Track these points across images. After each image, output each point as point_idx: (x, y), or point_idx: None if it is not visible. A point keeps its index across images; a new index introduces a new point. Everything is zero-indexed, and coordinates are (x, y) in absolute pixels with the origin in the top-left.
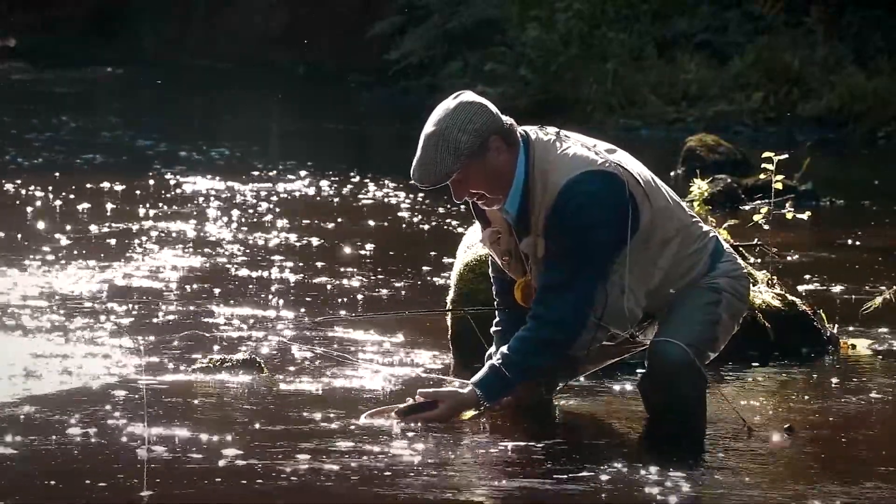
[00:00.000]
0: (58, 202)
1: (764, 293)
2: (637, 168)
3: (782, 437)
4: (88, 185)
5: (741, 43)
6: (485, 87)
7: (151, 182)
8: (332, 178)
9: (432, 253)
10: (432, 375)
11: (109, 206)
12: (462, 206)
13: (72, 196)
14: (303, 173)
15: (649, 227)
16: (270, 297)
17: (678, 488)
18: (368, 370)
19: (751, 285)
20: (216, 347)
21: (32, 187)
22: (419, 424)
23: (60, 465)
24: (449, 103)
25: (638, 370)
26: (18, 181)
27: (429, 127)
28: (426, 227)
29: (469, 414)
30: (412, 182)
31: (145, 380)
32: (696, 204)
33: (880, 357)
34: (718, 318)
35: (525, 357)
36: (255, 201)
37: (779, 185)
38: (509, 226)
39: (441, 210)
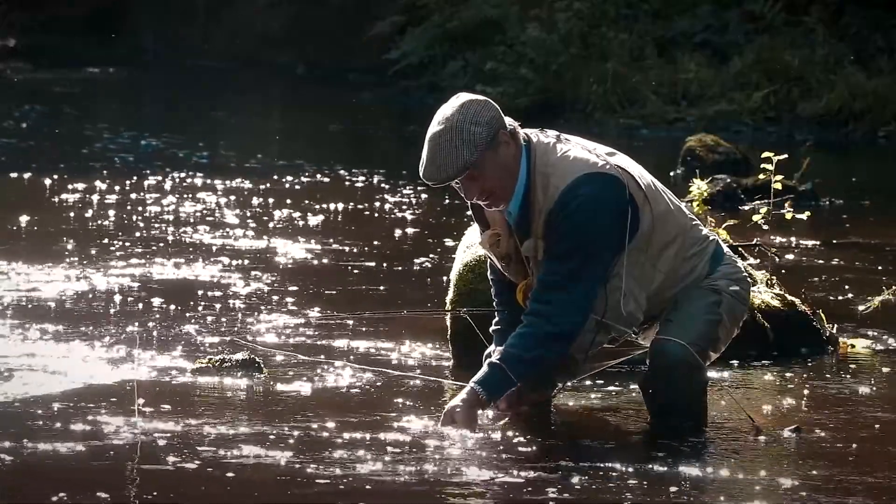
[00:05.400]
0: (55, 201)
1: (763, 293)
2: (638, 171)
3: (788, 437)
4: (87, 184)
5: (741, 43)
6: (485, 87)
7: (151, 181)
8: (332, 178)
9: (432, 252)
10: (430, 377)
11: (108, 205)
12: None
13: (70, 195)
14: (302, 173)
15: (649, 231)
16: (270, 297)
17: (680, 487)
18: (367, 371)
19: (751, 287)
20: (215, 347)
21: (32, 186)
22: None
23: (55, 466)
24: (452, 103)
25: (634, 367)
26: (18, 180)
27: (436, 127)
28: (426, 226)
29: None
30: (418, 181)
31: (138, 379)
32: (695, 204)
33: (879, 357)
34: (720, 319)
35: (524, 351)
36: (253, 201)
37: (778, 185)
38: (509, 228)
39: (441, 209)
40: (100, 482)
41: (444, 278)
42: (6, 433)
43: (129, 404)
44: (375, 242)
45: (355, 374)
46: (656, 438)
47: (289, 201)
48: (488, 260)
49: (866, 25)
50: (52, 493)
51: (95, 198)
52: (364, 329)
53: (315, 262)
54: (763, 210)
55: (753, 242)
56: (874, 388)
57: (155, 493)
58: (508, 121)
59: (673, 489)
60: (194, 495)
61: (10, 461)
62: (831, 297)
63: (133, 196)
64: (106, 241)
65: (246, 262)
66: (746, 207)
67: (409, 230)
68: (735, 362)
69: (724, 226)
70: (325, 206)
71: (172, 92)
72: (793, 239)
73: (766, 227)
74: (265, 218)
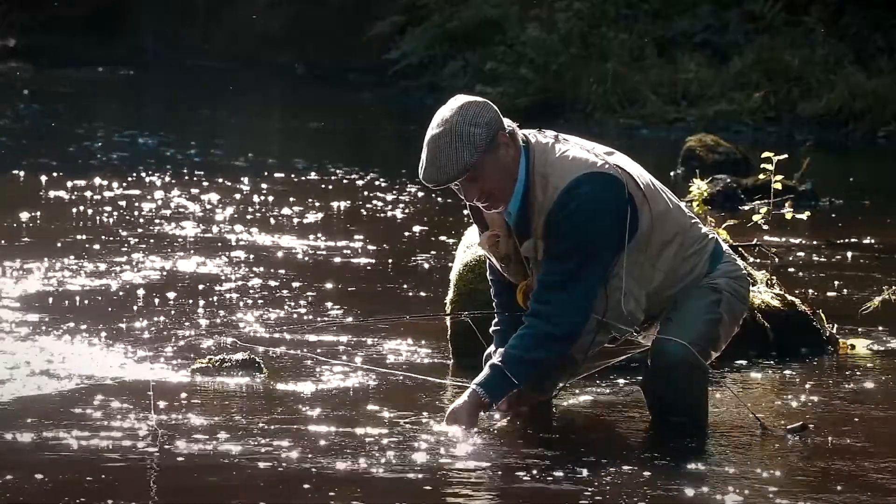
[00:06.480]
0: (56, 201)
1: (763, 293)
2: (636, 171)
3: (791, 436)
4: (87, 183)
5: (741, 43)
6: (484, 88)
7: (150, 181)
8: (332, 178)
9: (431, 252)
10: (430, 378)
11: (108, 204)
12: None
13: (70, 195)
14: (302, 173)
15: (648, 230)
16: (270, 298)
17: (681, 486)
18: (367, 371)
19: (750, 286)
20: (216, 348)
21: (32, 186)
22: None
23: (65, 466)
24: (451, 105)
25: (635, 366)
26: (18, 180)
27: (434, 130)
28: (426, 225)
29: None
30: (417, 182)
31: (151, 379)
32: (695, 204)
33: (879, 357)
34: (720, 318)
35: (525, 352)
36: (253, 199)
37: (778, 185)
38: (509, 229)
39: (440, 208)
40: (108, 481)
41: (444, 278)
42: (12, 431)
43: (131, 403)
44: (375, 241)
45: (356, 374)
46: (657, 437)
47: (291, 200)
48: (487, 260)
49: (866, 25)
50: (60, 492)
51: (96, 197)
52: (364, 329)
53: (316, 261)
54: (763, 210)
55: (753, 242)
56: (874, 388)
57: (162, 492)
58: (507, 122)
59: (674, 488)
60: (200, 494)
61: (17, 460)
62: (831, 297)
63: (133, 195)
64: (106, 239)
65: (246, 261)
66: (746, 207)
67: (409, 230)
68: (739, 362)
69: (724, 226)
70: (324, 205)
71: (172, 92)
72: (793, 239)
73: (766, 227)
74: (264, 217)
